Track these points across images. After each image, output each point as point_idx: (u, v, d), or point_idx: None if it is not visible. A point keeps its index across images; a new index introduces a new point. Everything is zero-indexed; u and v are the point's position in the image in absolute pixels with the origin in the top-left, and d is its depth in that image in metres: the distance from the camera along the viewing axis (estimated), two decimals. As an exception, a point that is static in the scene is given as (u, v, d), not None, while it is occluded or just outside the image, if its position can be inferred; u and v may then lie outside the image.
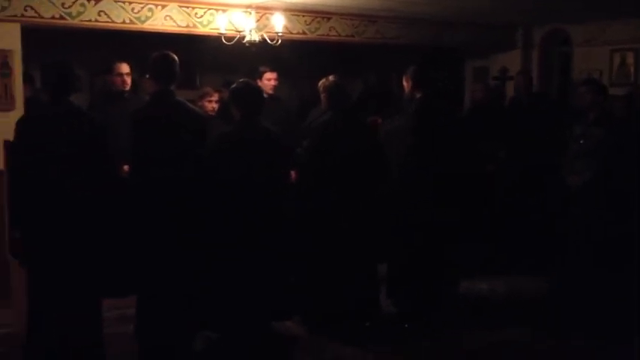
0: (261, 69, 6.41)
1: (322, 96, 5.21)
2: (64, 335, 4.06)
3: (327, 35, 7.14)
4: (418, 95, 5.33)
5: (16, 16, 5.56)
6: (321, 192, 4.91)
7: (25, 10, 5.58)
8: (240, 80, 4.82)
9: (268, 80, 6.36)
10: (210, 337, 4.72)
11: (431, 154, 5.18)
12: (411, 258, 5.23)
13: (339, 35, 7.22)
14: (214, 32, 6.36)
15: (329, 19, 7.10)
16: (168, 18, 6.20)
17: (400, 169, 5.24)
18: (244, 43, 6.16)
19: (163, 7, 6.18)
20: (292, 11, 6.78)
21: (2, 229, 5.03)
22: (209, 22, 6.40)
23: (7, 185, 4.57)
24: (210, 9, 6.39)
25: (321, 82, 5.23)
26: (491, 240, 6.52)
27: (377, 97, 8.19)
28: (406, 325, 5.11)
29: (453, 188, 5.23)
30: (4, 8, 5.50)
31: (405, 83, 5.43)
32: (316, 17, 7.03)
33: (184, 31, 6.34)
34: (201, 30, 6.41)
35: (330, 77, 5.15)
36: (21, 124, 4.17)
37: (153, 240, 4.38)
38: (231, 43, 6.17)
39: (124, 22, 6.01)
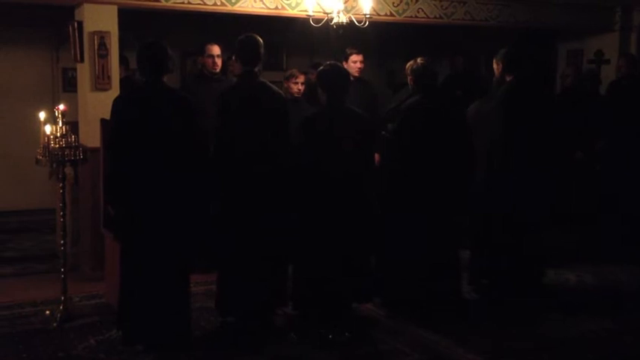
0: (348, 51, 6.40)
1: (409, 78, 5.16)
2: (153, 308, 4.20)
3: (415, 17, 7.03)
4: (508, 79, 5.20)
5: (113, -2, 5.74)
6: (407, 175, 4.87)
7: (122, -8, 5.76)
8: (327, 62, 4.84)
9: (354, 62, 6.34)
10: (289, 313, 4.80)
11: (519, 140, 5.05)
12: (495, 245, 5.14)
13: (428, 17, 7.09)
14: (302, 14, 6.37)
15: (417, 0, 7.00)
16: (257, 0, 6.27)
17: (487, 153, 5.14)
18: (332, 25, 6.15)
19: (254, -12, 6.25)
20: (380, -7, 6.72)
21: (99, 205, 5.25)
22: (297, 4, 6.42)
23: (103, 162, 4.76)
24: (298, -9, 6.42)
25: (408, 65, 5.17)
26: (581, 228, 6.33)
27: (463, 80, 8.03)
28: (487, 314, 5.03)
29: (541, 175, 5.09)
30: (101, -9, 5.68)
31: (495, 66, 5.31)
32: (404, -1, 6.94)
33: (273, 13, 6.38)
34: (289, 12, 6.44)
35: (418, 59, 5.08)
36: (117, 104, 4.30)
37: (233, 218, 4.51)
38: (319, 25, 6.17)
39: (215, 4, 6.10)
